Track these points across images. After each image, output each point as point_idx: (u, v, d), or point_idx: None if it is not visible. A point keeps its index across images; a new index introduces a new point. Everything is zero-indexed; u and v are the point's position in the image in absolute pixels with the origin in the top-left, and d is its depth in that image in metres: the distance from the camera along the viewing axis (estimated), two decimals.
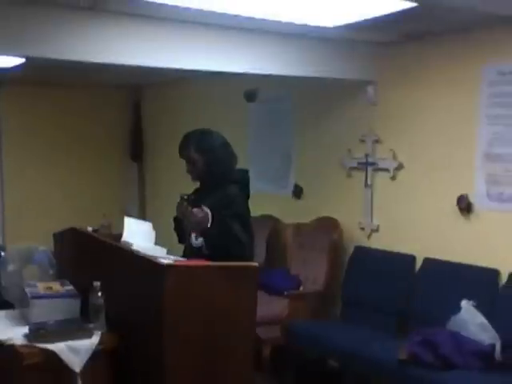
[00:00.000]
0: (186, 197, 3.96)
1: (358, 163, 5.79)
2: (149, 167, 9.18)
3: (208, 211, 3.83)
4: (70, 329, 3.29)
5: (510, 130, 4.67)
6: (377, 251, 5.60)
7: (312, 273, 5.91)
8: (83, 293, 3.48)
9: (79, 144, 8.62)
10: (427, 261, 5.16)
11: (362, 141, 5.75)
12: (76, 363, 3.13)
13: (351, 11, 4.10)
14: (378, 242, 5.66)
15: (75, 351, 3.14)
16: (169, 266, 3.14)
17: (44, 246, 4.20)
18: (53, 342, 3.15)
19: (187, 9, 3.97)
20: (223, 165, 3.96)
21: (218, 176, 3.94)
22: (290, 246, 6.27)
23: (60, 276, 3.91)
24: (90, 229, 4.61)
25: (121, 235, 3.89)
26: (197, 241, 3.85)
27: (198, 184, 4.13)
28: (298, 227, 6.24)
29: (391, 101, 5.53)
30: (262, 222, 6.29)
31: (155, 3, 3.85)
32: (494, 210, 4.79)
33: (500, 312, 4.52)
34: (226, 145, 4.03)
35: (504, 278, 4.67)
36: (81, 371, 3.14)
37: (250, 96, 6.77)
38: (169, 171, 8.06)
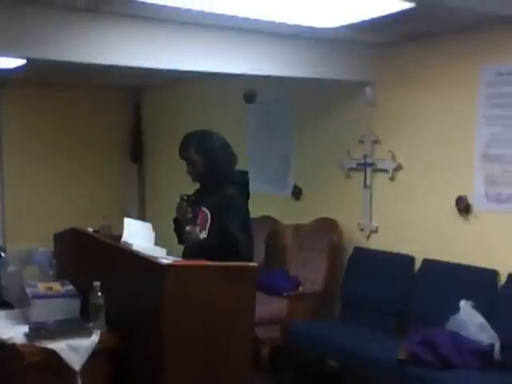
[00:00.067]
0: (185, 197, 3.99)
1: (357, 164, 5.80)
2: (149, 168, 9.19)
3: (207, 212, 3.85)
4: (70, 328, 3.31)
5: (508, 130, 4.68)
6: (376, 252, 5.60)
7: (311, 273, 5.91)
8: (83, 293, 3.49)
9: (79, 145, 8.63)
10: (426, 261, 5.17)
11: (361, 141, 5.76)
12: (76, 362, 3.15)
13: (350, 12, 4.10)
14: (377, 243, 5.67)
15: (75, 350, 3.16)
16: (168, 266, 3.15)
17: (44, 247, 4.22)
18: (53, 340, 3.17)
19: (187, 10, 3.99)
20: (223, 166, 3.97)
21: (217, 177, 3.95)
22: (290, 247, 6.28)
23: (60, 276, 3.92)
24: (90, 230, 4.61)
25: (121, 236, 3.91)
26: (201, 233, 3.87)
27: (198, 185, 4.15)
28: (298, 228, 6.25)
29: (390, 101, 5.54)
30: (262, 222, 6.29)
31: (155, 5, 3.87)
32: (493, 211, 4.80)
33: (499, 312, 4.53)
34: (226, 146, 4.04)
35: (503, 279, 4.68)
36: (80, 370, 3.16)
37: (249, 97, 6.77)
38: (168, 172, 8.07)
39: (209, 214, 3.87)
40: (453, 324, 4.49)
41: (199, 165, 3.97)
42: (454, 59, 5.02)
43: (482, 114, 4.84)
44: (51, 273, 4.05)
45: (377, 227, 5.71)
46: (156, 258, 3.33)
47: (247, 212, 3.97)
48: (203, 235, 3.86)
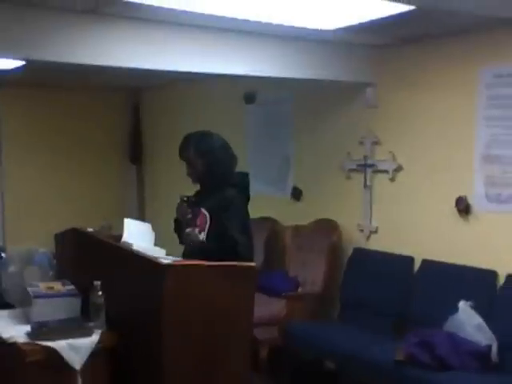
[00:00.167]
0: (185, 198, 4.00)
1: (357, 165, 5.80)
2: (148, 169, 9.20)
3: (207, 214, 3.86)
4: (70, 327, 3.33)
5: (508, 131, 4.69)
6: (376, 253, 5.61)
7: (311, 274, 5.92)
8: (84, 292, 3.51)
9: (79, 146, 8.63)
10: (425, 262, 5.17)
11: (361, 143, 5.77)
12: (76, 361, 3.18)
13: (350, 14, 4.12)
14: (376, 244, 5.68)
15: (76, 349, 3.19)
16: (168, 265, 3.16)
17: (44, 248, 4.24)
18: (54, 339, 3.20)
19: (186, 12, 4.00)
20: (223, 167, 3.98)
21: (217, 178, 3.96)
22: (289, 248, 6.28)
23: (60, 276, 3.94)
24: (90, 230, 4.62)
25: (121, 236, 3.92)
26: (200, 235, 3.88)
27: (198, 186, 4.15)
28: (297, 229, 6.25)
29: (390, 103, 5.55)
30: (261, 223, 6.30)
31: (154, 6, 3.88)
32: (492, 212, 4.81)
33: (498, 313, 4.53)
34: (225, 147, 4.04)
35: (502, 280, 4.68)
36: (81, 369, 3.19)
37: (249, 98, 6.79)
38: (168, 173, 8.08)
39: (208, 216, 3.87)
40: (451, 325, 4.50)
41: (199, 166, 3.97)
42: (453, 61, 5.03)
43: (481, 116, 4.85)
44: (51, 273, 4.06)
45: (376, 228, 5.71)
46: (156, 258, 3.35)
47: (246, 213, 3.97)
48: (202, 236, 3.87)
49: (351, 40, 5.13)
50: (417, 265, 5.25)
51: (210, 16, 4.10)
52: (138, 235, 3.97)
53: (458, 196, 4.97)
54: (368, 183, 5.73)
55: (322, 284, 5.79)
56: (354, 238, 5.89)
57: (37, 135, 8.38)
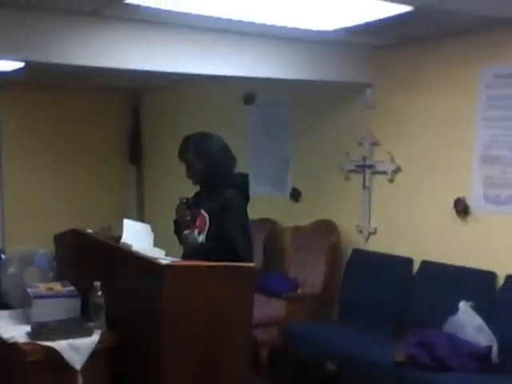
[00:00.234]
0: (185, 200, 4.01)
1: (356, 166, 5.81)
2: (147, 170, 9.21)
3: (206, 215, 3.86)
4: (71, 327, 3.34)
5: (507, 132, 4.70)
6: (374, 254, 5.61)
7: (310, 275, 5.92)
8: (84, 293, 3.51)
9: (79, 147, 8.64)
10: (424, 263, 5.17)
11: (360, 144, 5.78)
12: (76, 361, 3.19)
13: (349, 15, 4.13)
14: (375, 245, 5.68)
15: (76, 349, 3.20)
16: (167, 266, 3.17)
17: (43, 249, 4.23)
18: (54, 340, 3.20)
19: (186, 13, 4.02)
20: (222, 168, 3.97)
21: (216, 179, 3.96)
22: (288, 249, 6.29)
23: (60, 278, 3.94)
24: (89, 231, 4.63)
25: (120, 237, 3.92)
26: (199, 236, 3.88)
27: (197, 188, 4.15)
28: (296, 230, 6.26)
29: (389, 104, 5.56)
30: (260, 224, 6.30)
31: (154, 8, 3.89)
32: (491, 213, 4.82)
33: (497, 314, 4.54)
34: (225, 148, 4.04)
35: (501, 281, 4.68)
36: (81, 369, 3.20)
37: (248, 99, 6.79)
38: (167, 174, 8.08)
39: (207, 217, 3.88)
40: (450, 326, 4.50)
41: (198, 167, 3.97)
42: (452, 61, 5.04)
43: (480, 116, 4.85)
44: (51, 275, 4.06)
45: (375, 229, 5.72)
46: (155, 258, 3.35)
47: (246, 214, 3.97)
48: (202, 238, 3.87)
49: (350, 41, 5.14)
50: (416, 266, 5.25)
51: (210, 18, 4.12)
52: (137, 236, 3.97)
53: (456, 197, 4.98)
54: (367, 184, 5.73)
55: (321, 285, 5.79)
56: (352, 239, 5.90)
57: (37, 137, 8.39)
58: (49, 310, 3.43)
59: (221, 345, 3.22)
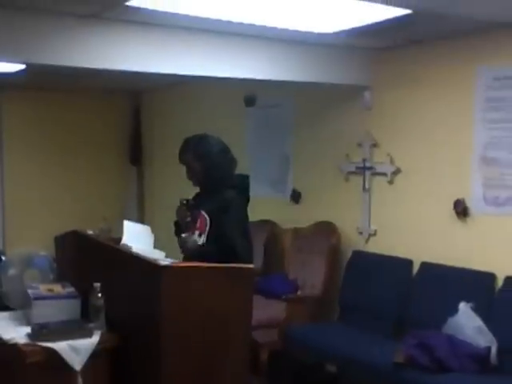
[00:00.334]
0: (185, 201, 4.02)
1: (356, 168, 5.81)
2: (148, 171, 9.21)
3: (206, 216, 3.87)
4: (71, 328, 3.34)
5: (506, 133, 4.70)
6: (374, 255, 5.61)
7: (310, 277, 5.92)
8: (84, 294, 3.52)
9: (79, 148, 8.66)
10: (424, 265, 5.17)
11: (360, 145, 5.78)
12: (77, 362, 3.20)
13: (349, 17, 4.14)
14: (375, 247, 5.68)
15: (76, 350, 3.20)
16: (165, 267, 3.17)
17: (44, 250, 4.24)
18: (54, 341, 3.21)
19: (186, 16, 4.03)
20: (222, 170, 3.97)
21: (216, 181, 3.96)
22: (288, 251, 6.29)
23: (60, 280, 3.94)
24: (89, 232, 4.64)
25: (120, 239, 3.93)
26: (200, 237, 3.89)
27: (198, 189, 4.16)
28: (296, 232, 6.26)
29: (388, 105, 5.57)
30: (260, 226, 6.31)
31: (154, 10, 3.90)
32: (490, 214, 4.82)
33: (496, 316, 4.53)
34: (224, 150, 4.04)
35: (500, 282, 4.68)
36: (81, 369, 3.20)
37: (249, 101, 6.80)
38: (167, 175, 8.08)
39: (208, 218, 3.88)
40: (450, 327, 4.50)
41: (197, 169, 3.97)
42: (451, 63, 5.04)
43: (479, 118, 4.86)
44: (52, 276, 4.07)
45: (375, 231, 5.72)
46: (154, 259, 3.36)
47: (246, 215, 3.98)
48: (202, 239, 3.87)
49: (350, 43, 5.14)
50: (415, 267, 5.25)
51: (210, 20, 4.13)
52: (137, 238, 3.98)
53: (455, 198, 4.98)
54: (367, 186, 5.74)
55: (321, 287, 5.79)
56: (353, 240, 5.90)
57: (38, 138, 8.41)
58: (49, 312, 3.43)
59: (220, 346, 3.22)
